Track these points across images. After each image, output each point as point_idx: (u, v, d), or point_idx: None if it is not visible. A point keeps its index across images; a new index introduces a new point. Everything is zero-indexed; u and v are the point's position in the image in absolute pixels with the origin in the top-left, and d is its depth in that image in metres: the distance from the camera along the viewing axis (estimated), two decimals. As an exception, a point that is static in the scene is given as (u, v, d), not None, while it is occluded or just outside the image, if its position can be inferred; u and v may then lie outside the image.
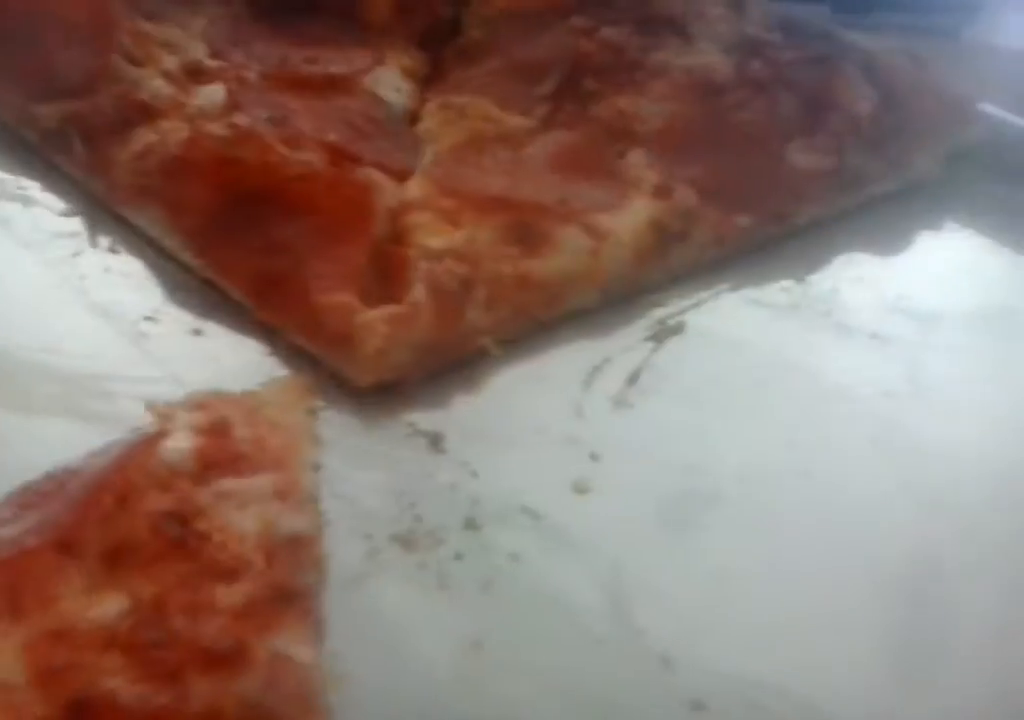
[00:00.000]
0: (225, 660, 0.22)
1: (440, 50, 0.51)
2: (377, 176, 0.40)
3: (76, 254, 0.39)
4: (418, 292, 0.35)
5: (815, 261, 0.44)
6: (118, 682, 0.22)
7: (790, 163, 0.45)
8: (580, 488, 0.32)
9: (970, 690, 0.27)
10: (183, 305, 0.37)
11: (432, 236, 0.38)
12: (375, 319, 0.34)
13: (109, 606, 0.23)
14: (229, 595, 0.23)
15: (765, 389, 0.36)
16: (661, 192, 0.42)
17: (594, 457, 0.33)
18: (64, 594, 0.23)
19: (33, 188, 0.42)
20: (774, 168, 0.45)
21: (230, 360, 0.35)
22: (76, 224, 0.41)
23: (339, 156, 0.40)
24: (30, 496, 0.26)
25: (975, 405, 0.37)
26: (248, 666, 0.22)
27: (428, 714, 0.25)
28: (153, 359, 0.34)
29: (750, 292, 0.42)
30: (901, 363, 0.39)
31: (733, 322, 0.40)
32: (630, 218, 0.40)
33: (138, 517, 0.24)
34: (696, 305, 0.41)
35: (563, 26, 0.50)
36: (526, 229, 0.39)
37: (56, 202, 0.42)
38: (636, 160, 0.44)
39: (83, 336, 0.35)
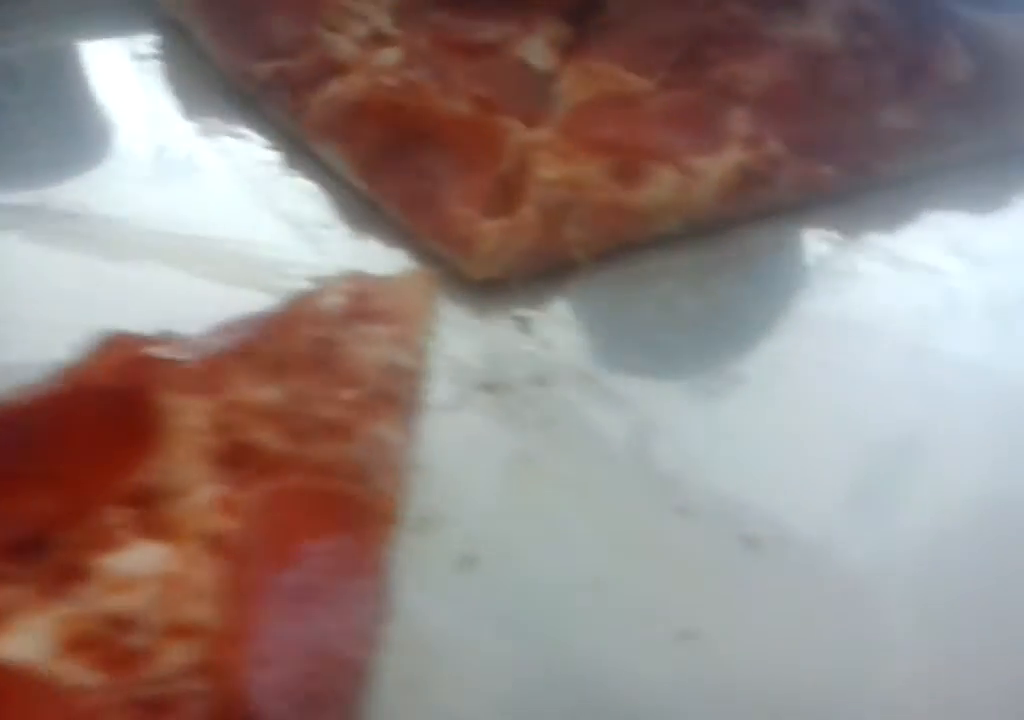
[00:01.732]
0: (339, 431, 0.33)
1: (584, 23, 0.60)
2: (511, 122, 0.50)
3: (274, 178, 0.51)
4: (528, 210, 0.45)
5: (899, 214, 0.51)
6: (268, 435, 0.33)
7: (881, 123, 0.52)
8: (633, 363, 0.41)
9: (922, 520, 0.34)
10: (350, 218, 0.48)
11: (548, 169, 0.48)
12: (491, 228, 0.44)
13: (270, 392, 0.34)
14: (349, 394, 0.34)
15: (809, 305, 0.44)
16: (753, 142, 0.50)
17: (651, 344, 0.42)
18: (239, 385, 0.34)
19: (247, 129, 0.55)
20: (865, 125, 0.52)
21: (381, 259, 0.46)
22: (277, 156, 0.53)
23: (484, 106, 0.50)
24: (233, 324, 0.37)
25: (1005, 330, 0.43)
26: (354, 438, 0.33)
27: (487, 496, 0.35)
28: (323, 254, 0.46)
29: (824, 233, 0.49)
30: (941, 290, 0.45)
31: (798, 254, 0.47)
32: (720, 162, 0.49)
33: (298, 340, 0.35)
34: (771, 240, 0.48)
35: (693, 2, 0.58)
36: (628, 167, 0.48)
37: (263, 140, 0.54)
38: (738, 116, 0.52)
39: (272, 234, 0.47)
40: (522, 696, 0.29)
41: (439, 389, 0.39)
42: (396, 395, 0.35)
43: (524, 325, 0.42)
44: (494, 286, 0.44)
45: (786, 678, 0.30)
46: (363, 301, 0.38)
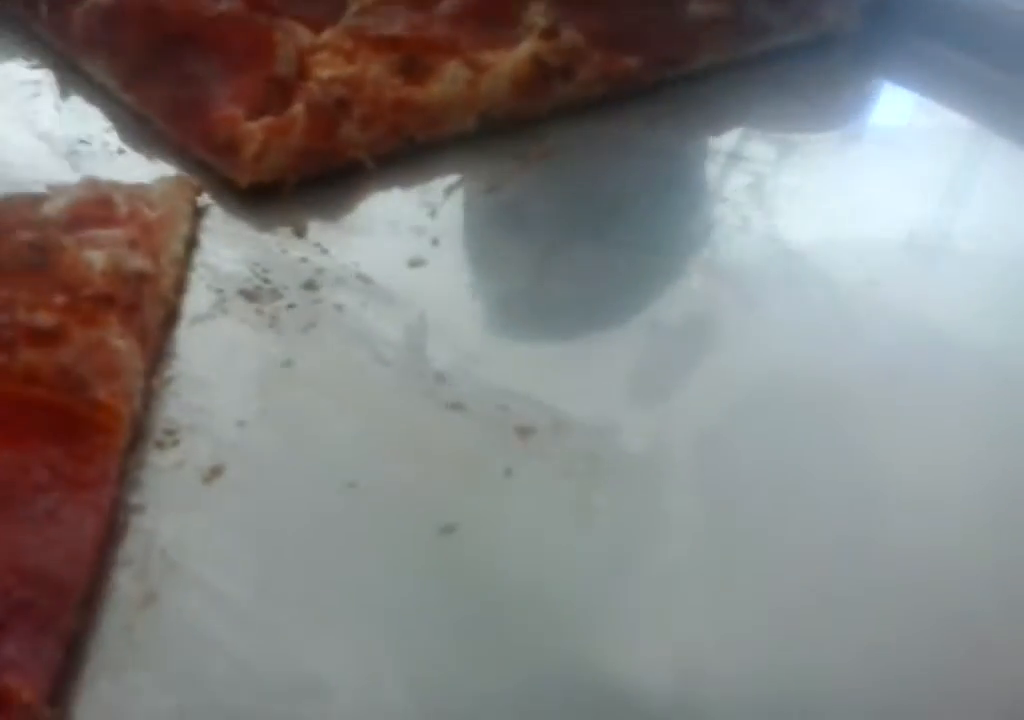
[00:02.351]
0: (47, 337, 0.29)
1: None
2: (289, 24, 0.46)
3: (34, 96, 0.47)
4: (296, 108, 0.41)
5: (710, 107, 0.49)
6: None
7: (688, 12, 0.50)
8: (414, 263, 0.38)
9: (703, 402, 0.33)
10: (113, 133, 0.44)
11: (328, 70, 0.44)
12: (256, 128, 0.40)
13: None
14: (63, 299, 0.30)
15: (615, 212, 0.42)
16: (548, 33, 0.47)
17: (434, 242, 0.39)
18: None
19: (9, 47, 0.50)
20: (670, 16, 0.50)
21: (143, 172, 0.42)
22: (40, 74, 0.48)
23: (257, 5, 0.47)
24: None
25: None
26: (66, 343, 0.29)
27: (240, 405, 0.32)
28: (79, 170, 0.42)
29: (630, 130, 0.47)
30: (751, 176, 0.43)
31: (599, 149, 0.45)
32: (513, 54, 0.46)
33: (10, 244, 0.32)
34: (571, 136, 0.46)
35: None
36: (412, 62, 0.45)
37: (27, 58, 0.49)
38: (535, 10, 0.49)
39: (26, 153, 0.43)
40: (269, 605, 0.26)
41: (196, 297, 0.35)
42: (122, 300, 0.31)
43: (298, 231, 0.39)
44: (268, 193, 0.40)
45: (558, 568, 0.27)
46: (99, 206, 0.35)
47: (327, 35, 0.47)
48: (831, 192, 0.43)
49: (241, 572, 0.27)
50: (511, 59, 0.46)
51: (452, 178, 0.43)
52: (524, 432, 0.31)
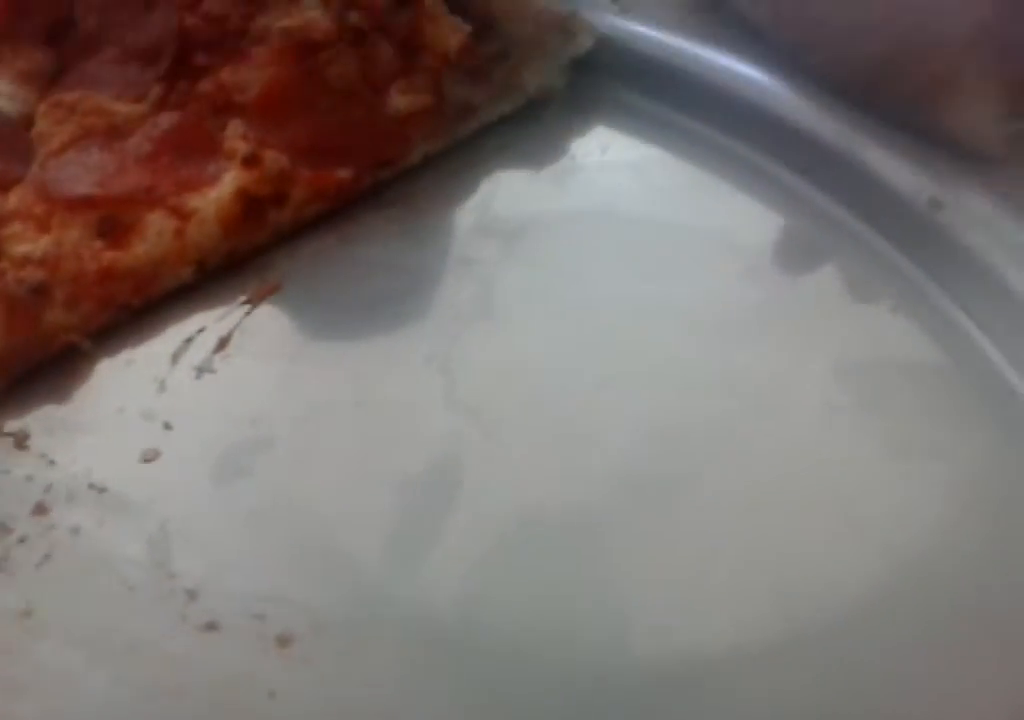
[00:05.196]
0: None
1: (61, 46, 0.55)
2: (-29, 196, 0.44)
3: None
4: (-5, 306, 0.40)
5: (435, 202, 0.50)
6: None
7: (389, 109, 0.51)
8: (147, 457, 0.38)
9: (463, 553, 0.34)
10: None
11: (21, 244, 0.43)
12: (-53, 339, 0.39)
13: None
14: None
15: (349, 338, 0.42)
16: (250, 161, 0.47)
17: (167, 426, 0.39)
18: None
19: None
20: (372, 117, 0.50)
21: None
22: None
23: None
24: None
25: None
26: None
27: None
28: None
29: (356, 245, 0.47)
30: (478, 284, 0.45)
31: (329, 274, 0.46)
32: (216, 193, 0.46)
33: None
34: (299, 262, 0.46)
35: (169, 2, 0.54)
36: (111, 222, 0.44)
37: None
38: (233, 132, 0.49)
39: None
40: None
41: (-84, 552, 0.34)
42: None
43: (19, 442, 0.38)
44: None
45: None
46: None
47: (14, 199, 0.45)
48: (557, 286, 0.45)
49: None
50: (215, 200, 0.45)
51: (176, 340, 0.42)
52: (284, 642, 0.32)
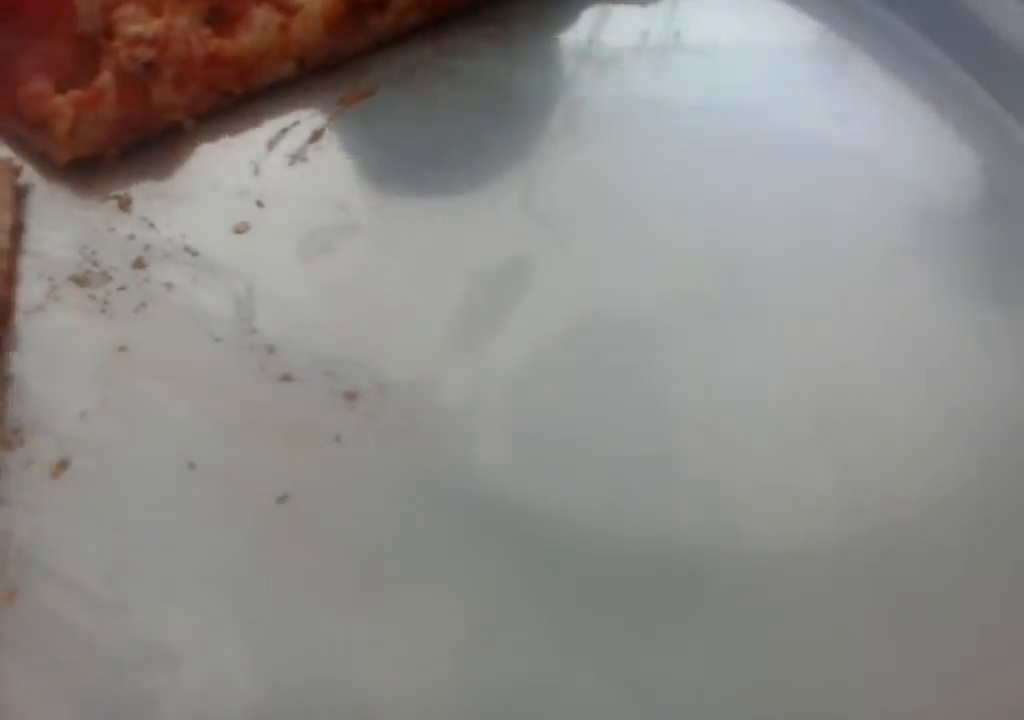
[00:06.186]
0: None
1: None
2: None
3: None
4: (104, 77, 0.43)
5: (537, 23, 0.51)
6: None
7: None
8: (239, 229, 0.40)
9: (516, 348, 0.37)
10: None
11: (133, 25, 0.45)
12: (64, 103, 0.42)
13: None
14: None
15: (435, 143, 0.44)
16: (360, -34, 0.48)
17: (259, 204, 0.41)
18: None
19: None
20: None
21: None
22: None
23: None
24: None
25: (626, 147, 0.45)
26: None
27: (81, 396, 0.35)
28: None
29: (453, 59, 0.49)
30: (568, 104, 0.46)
31: (423, 83, 0.47)
32: (321, -8, 0.47)
33: None
34: (393, 70, 0.48)
35: None
36: (219, 11, 0.46)
37: None
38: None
39: None
40: (118, 588, 0.30)
41: (28, 288, 0.38)
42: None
43: (123, 204, 0.41)
44: (90, 167, 0.42)
45: (375, 528, 0.32)
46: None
47: (130, -17, 0.47)
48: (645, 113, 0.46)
49: (92, 559, 0.31)
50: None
51: (273, 129, 0.45)
52: (351, 397, 0.35)
